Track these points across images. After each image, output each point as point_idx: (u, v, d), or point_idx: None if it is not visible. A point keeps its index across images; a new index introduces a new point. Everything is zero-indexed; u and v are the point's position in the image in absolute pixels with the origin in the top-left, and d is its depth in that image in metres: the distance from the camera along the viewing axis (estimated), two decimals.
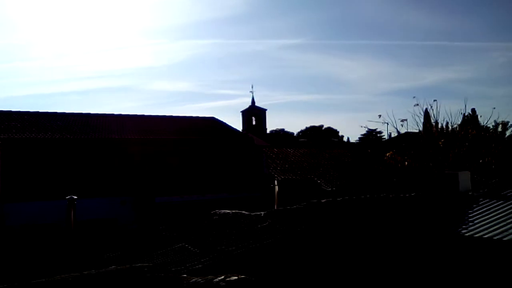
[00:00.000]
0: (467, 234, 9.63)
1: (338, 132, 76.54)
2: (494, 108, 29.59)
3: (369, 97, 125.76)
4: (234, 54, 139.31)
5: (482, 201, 11.35)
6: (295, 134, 74.94)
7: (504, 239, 8.87)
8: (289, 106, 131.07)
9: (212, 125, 30.07)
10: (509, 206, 10.48)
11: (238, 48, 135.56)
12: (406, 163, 21.82)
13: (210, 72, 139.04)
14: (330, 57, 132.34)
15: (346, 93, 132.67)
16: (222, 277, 4.91)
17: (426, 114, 24.50)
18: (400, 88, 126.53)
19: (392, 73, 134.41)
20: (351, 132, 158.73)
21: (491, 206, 10.85)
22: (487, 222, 9.91)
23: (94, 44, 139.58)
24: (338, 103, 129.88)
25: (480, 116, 25.83)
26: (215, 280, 4.88)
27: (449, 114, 29.12)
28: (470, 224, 10.10)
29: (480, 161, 20.24)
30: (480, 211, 10.74)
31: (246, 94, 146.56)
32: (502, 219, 9.87)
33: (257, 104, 57.78)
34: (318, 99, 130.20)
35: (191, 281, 5.11)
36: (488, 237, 9.18)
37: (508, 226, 9.35)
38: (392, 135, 31.04)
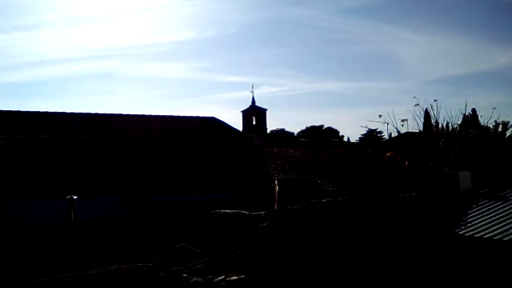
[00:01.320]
0: (467, 234, 9.63)
1: (338, 132, 76.57)
2: (495, 108, 29.61)
3: (416, 85, 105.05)
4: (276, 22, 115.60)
5: (482, 201, 11.35)
6: (295, 134, 74.94)
7: (504, 239, 8.87)
8: (308, 98, 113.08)
9: (212, 125, 30.07)
10: (509, 206, 10.48)
11: (282, 13, 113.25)
12: (406, 163, 21.81)
13: (233, 51, 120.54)
14: (391, 25, 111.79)
15: (388, 79, 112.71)
16: (223, 277, 4.91)
17: (427, 114, 24.50)
18: (459, 74, 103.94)
19: (458, 50, 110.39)
20: (351, 132, 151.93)
21: (491, 206, 10.84)
22: (487, 222, 9.91)
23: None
24: (370, 95, 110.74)
25: (481, 116, 25.86)
26: (215, 280, 4.88)
27: (449, 114, 29.07)
28: (470, 224, 10.10)
29: (481, 161, 20.24)
30: (480, 211, 10.74)
31: (276, 82, 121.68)
32: (502, 219, 9.86)
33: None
34: (349, 89, 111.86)
35: (192, 281, 5.11)
36: (488, 237, 9.18)
37: (508, 226, 9.35)
38: (393, 135, 31.03)
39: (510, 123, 23.50)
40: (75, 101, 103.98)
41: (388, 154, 22.89)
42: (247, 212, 12.61)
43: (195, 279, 5.15)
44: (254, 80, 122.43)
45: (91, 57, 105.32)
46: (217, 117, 31.74)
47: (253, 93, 60.15)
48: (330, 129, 75.77)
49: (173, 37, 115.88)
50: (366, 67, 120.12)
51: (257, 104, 57.63)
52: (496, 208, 10.64)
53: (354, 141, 61.86)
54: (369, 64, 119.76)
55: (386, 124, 26.23)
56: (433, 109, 23.67)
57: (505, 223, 9.57)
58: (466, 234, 9.63)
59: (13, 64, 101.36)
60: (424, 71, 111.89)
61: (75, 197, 17.45)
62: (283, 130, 76.11)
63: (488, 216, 10.27)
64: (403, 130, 25.64)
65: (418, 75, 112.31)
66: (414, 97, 30.61)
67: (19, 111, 25.64)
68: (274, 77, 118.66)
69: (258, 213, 11.99)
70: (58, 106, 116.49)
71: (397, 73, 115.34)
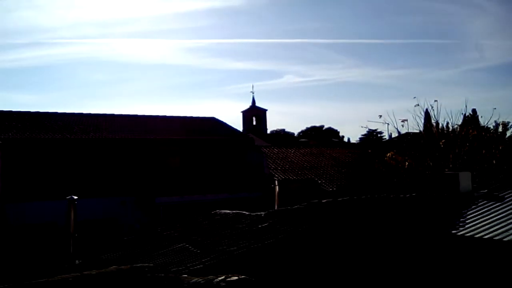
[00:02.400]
0: (467, 235, 9.62)
1: (338, 132, 76.61)
2: (495, 108, 29.60)
3: (467, 73, 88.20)
4: None
5: (482, 201, 11.34)
6: (295, 135, 74.95)
7: (505, 239, 8.87)
8: (334, 90, 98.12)
9: (212, 125, 30.07)
10: (509, 207, 10.47)
11: None
12: (407, 163, 21.82)
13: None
14: None
15: (438, 65, 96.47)
16: (223, 277, 4.90)
17: (427, 115, 24.54)
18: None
19: None
20: (351, 132, 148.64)
21: (491, 207, 10.83)
22: (487, 223, 9.91)
23: None
24: (407, 87, 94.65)
25: (481, 117, 25.87)
26: (215, 280, 4.87)
27: (449, 115, 29.08)
28: (471, 224, 10.09)
29: (481, 161, 20.23)
30: (480, 211, 10.73)
31: (302, 71, 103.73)
32: (502, 219, 9.86)
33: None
34: (386, 77, 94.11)
35: (192, 281, 5.10)
36: (489, 237, 9.18)
37: (508, 226, 9.34)
38: (393, 136, 31.05)
39: (510, 124, 23.53)
40: (73, 91, 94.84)
41: (388, 154, 22.92)
42: (247, 213, 12.61)
43: (195, 279, 5.14)
44: (278, 68, 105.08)
45: (99, 35, 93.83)
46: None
47: (253, 93, 60.09)
48: (330, 129, 75.82)
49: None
50: (416, 47, 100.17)
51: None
52: (496, 208, 10.64)
53: (355, 142, 62.01)
54: (421, 43, 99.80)
55: (387, 125, 26.32)
56: (433, 109, 23.72)
57: (505, 223, 9.57)
58: (467, 235, 9.63)
59: (4, 43, 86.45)
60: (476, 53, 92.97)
61: (75, 198, 17.43)
62: (283, 130, 76.17)
63: (488, 217, 10.27)
64: (403, 131, 25.70)
65: (471, 59, 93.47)
66: (415, 97, 30.65)
67: (19, 112, 25.65)
68: (303, 61, 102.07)
69: (259, 213, 11.99)
70: (61, 100, 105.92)
71: (443, 56, 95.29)
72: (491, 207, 10.85)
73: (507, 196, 11.26)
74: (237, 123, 57.88)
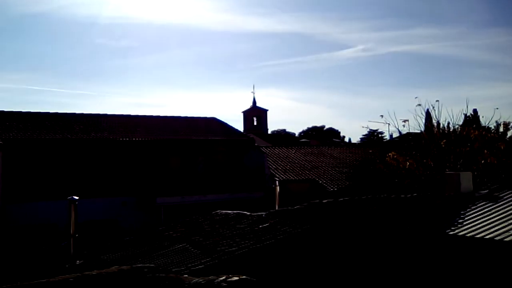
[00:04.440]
0: (468, 235, 9.61)
1: (339, 132, 76.64)
2: (497, 108, 29.54)
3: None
4: None
5: (483, 202, 11.33)
6: (296, 135, 74.97)
7: (505, 240, 8.86)
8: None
9: (212, 125, 30.06)
10: (510, 207, 10.46)
11: None
12: (408, 163, 21.78)
13: None
14: None
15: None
16: (224, 277, 4.89)
17: (428, 115, 24.50)
18: None
19: None
20: (351, 132, 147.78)
21: (492, 207, 10.82)
22: (488, 223, 9.90)
23: None
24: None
25: (482, 117, 25.82)
26: (216, 280, 4.86)
27: (450, 115, 29.07)
28: (472, 225, 10.08)
29: (482, 161, 20.20)
30: (481, 212, 10.72)
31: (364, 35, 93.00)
32: (503, 220, 9.85)
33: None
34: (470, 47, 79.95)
35: (193, 281, 5.09)
36: (489, 238, 9.16)
37: (509, 227, 9.33)
38: (394, 136, 31.00)
39: (511, 124, 23.47)
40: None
41: (389, 154, 22.88)
42: (248, 213, 12.61)
43: (196, 279, 5.14)
44: (341, 37, 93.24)
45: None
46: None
47: (254, 93, 60.05)
48: (331, 130, 75.86)
49: None
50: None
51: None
52: (497, 209, 10.62)
53: (356, 142, 62.02)
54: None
55: (388, 125, 26.27)
56: (434, 110, 23.68)
57: (506, 224, 9.56)
58: (468, 235, 9.62)
59: None
60: None
61: (76, 198, 17.43)
62: (284, 130, 76.19)
63: (489, 217, 10.25)
64: (404, 131, 25.64)
65: None
66: (416, 97, 30.63)
67: (20, 112, 25.67)
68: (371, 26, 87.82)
69: (259, 213, 11.99)
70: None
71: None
72: (492, 207, 10.84)
73: (508, 196, 11.25)
74: (239, 124, 56.69)
